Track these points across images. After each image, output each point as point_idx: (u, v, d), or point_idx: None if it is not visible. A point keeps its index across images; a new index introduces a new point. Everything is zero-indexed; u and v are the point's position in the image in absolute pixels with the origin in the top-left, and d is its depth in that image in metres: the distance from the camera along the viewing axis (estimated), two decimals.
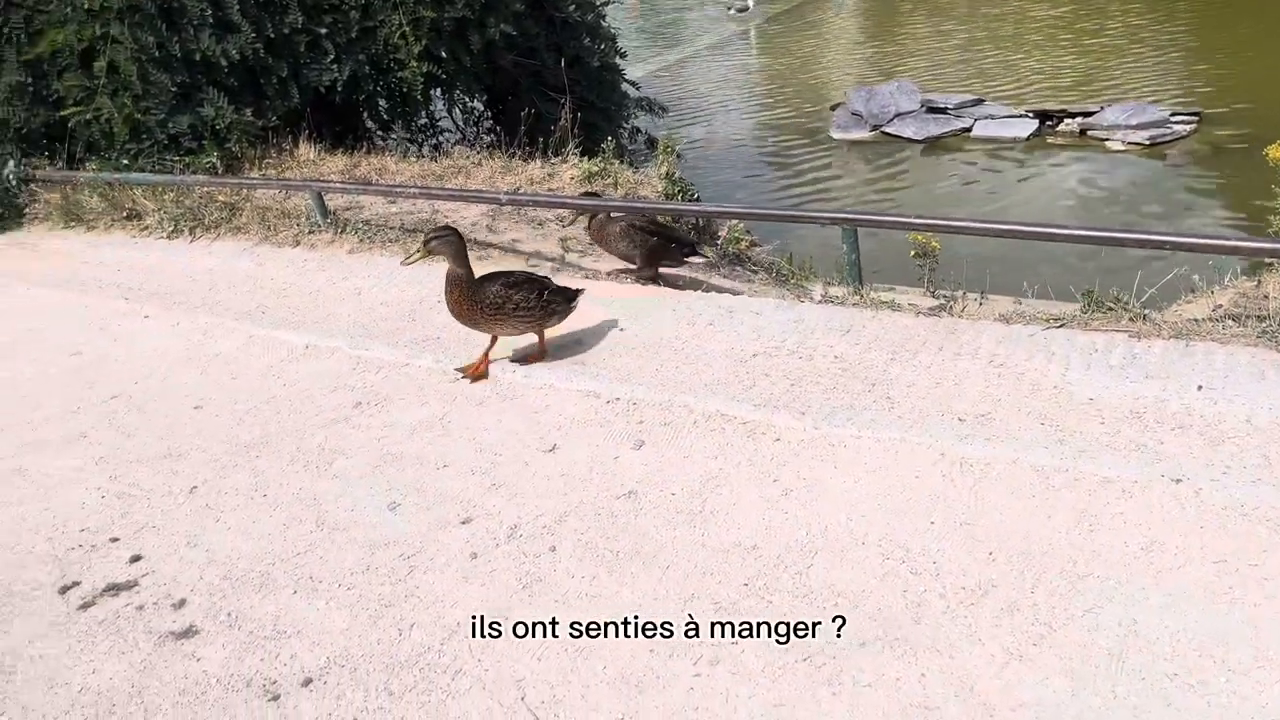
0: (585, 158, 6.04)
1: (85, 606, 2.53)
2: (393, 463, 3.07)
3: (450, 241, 3.39)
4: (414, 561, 2.57)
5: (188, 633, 2.39)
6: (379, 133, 7.74)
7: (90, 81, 6.04)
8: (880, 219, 3.88)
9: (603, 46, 8.32)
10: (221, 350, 4.06)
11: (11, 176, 6.08)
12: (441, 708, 2.08)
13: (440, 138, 8.13)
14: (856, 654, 2.09)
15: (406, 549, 2.63)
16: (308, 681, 2.19)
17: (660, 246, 4.32)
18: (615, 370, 3.48)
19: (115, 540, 2.81)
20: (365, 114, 7.50)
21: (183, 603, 2.50)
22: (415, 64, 6.62)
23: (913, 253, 4.04)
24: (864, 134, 11.37)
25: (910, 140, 11.00)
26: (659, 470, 2.85)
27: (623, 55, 8.77)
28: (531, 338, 3.61)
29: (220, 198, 5.67)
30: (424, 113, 7.72)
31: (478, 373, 3.56)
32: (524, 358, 3.61)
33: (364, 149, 6.88)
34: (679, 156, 7.14)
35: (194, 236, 5.50)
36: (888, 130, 11.30)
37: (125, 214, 5.80)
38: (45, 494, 3.10)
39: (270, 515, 2.85)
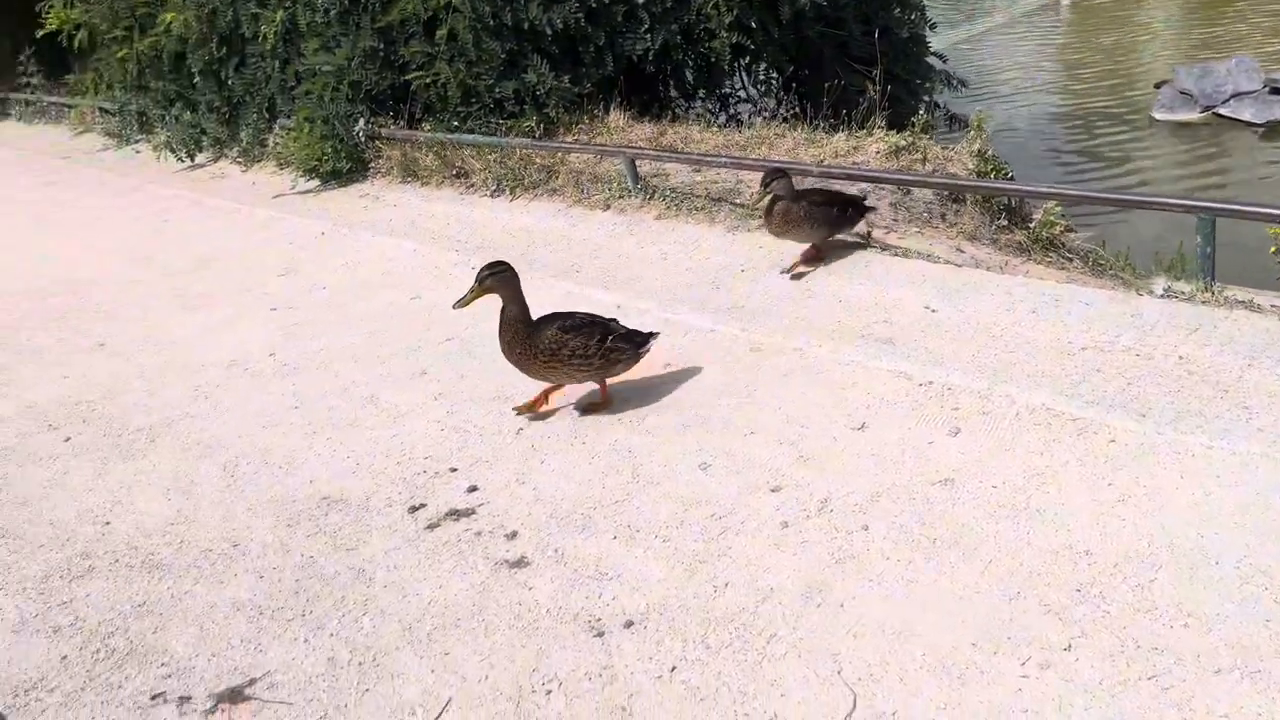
0: (891, 131, 5.88)
1: (431, 527, 2.79)
2: (701, 424, 3.16)
3: (505, 278, 3.14)
4: (725, 523, 2.64)
5: (520, 563, 2.58)
6: (682, 101, 7.90)
7: (431, 48, 6.57)
8: (1244, 209, 3.49)
9: (912, 17, 8.04)
10: (541, 305, 4.32)
11: (361, 134, 6.75)
12: (757, 668, 2.13)
13: (738, 108, 8.19)
14: (1211, 681, 1.93)
15: (718, 509, 2.70)
16: (629, 624, 2.31)
17: (842, 215, 4.21)
18: (927, 352, 3.38)
19: (454, 470, 3.08)
20: (671, 83, 7.68)
21: (514, 534, 2.71)
22: (725, 34, 6.68)
23: (1274, 249, 3.62)
24: (1192, 115, 10.33)
25: (1248, 124, 9.87)
26: (977, 460, 2.75)
27: (932, 27, 8.43)
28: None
29: (538, 160, 6.02)
30: (727, 83, 7.79)
31: (534, 408, 3.32)
32: (586, 406, 3.34)
33: (668, 117, 7.05)
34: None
35: (513, 196, 5.88)
36: (1221, 112, 10.20)
37: (455, 172, 6.29)
38: (394, 422, 3.44)
39: (589, 463, 3.02)
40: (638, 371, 3.54)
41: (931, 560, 2.38)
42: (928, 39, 8.42)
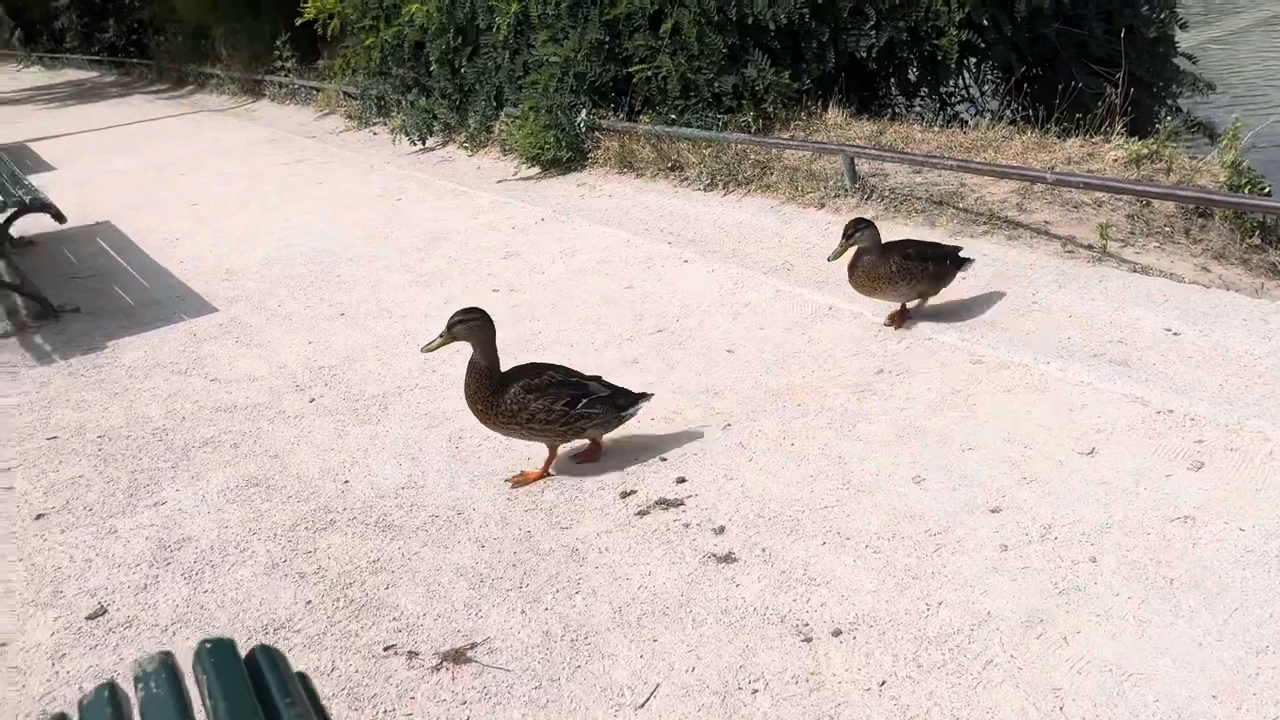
0: (1132, 138, 5.52)
1: (641, 514, 2.87)
2: (915, 436, 3.09)
3: (476, 327, 2.94)
4: (940, 540, 2.57)
5: (727, 558, 2.61)
6: (901, 100, 7.71)
7: (655, 41, 6.69)
8: None
9: (1161, 15, 7.50)
10: (750, 300, 4.35)
11: (582, 124, 6.96)
12: (971, 694, 2.07)
13: (957, 108, 7.90)
14: None
15: (932, 525, 2.63)
16: (837, 632, 2.30)
17: (938, 271, 3.73)
18: (1167, 378, 3.17)
19: (664, 460, 3.15)
20: (892, 81, 7.50)
21: (722, 529, 2.74)
22: (955, 31, 6.46)
23: None
24: None
25: None
26: (1222, 499, 2.56)
27: (1183, 26, 7.85)
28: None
29: (753, 156, 6.03)
30: (951, 82, 7.53)
31: (526, 480, 3.06)
32: (578, 454, 3.16)
33: (887, 115, 6.89)
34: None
35: (726, 191, 5.91)
36: None
37: (669, 165, 6.39)
38: None
39: (798, 465, 3.01)
40: (850, 375, 3.50)
41: (1167, 601, 2.24)
42: (1176, 39, 7.84)
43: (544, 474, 3.09)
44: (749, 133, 6.26)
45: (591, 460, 3.14)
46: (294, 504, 3.13)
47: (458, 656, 2.36)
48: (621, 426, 3.15)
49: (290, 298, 5.11)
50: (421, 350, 3.05)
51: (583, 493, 3.01)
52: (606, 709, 2.16)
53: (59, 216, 4.75)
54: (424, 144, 8.50)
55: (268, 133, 10.44)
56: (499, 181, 7.14)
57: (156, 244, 6.37)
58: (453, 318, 2.96)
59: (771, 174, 5.81)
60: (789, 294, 4.34)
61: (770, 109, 6.53)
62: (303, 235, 6.26)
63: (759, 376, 3.63)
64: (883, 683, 2.13)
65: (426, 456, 3.34)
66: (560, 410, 2.94)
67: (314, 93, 11.53)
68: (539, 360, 3.42)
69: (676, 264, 4.94)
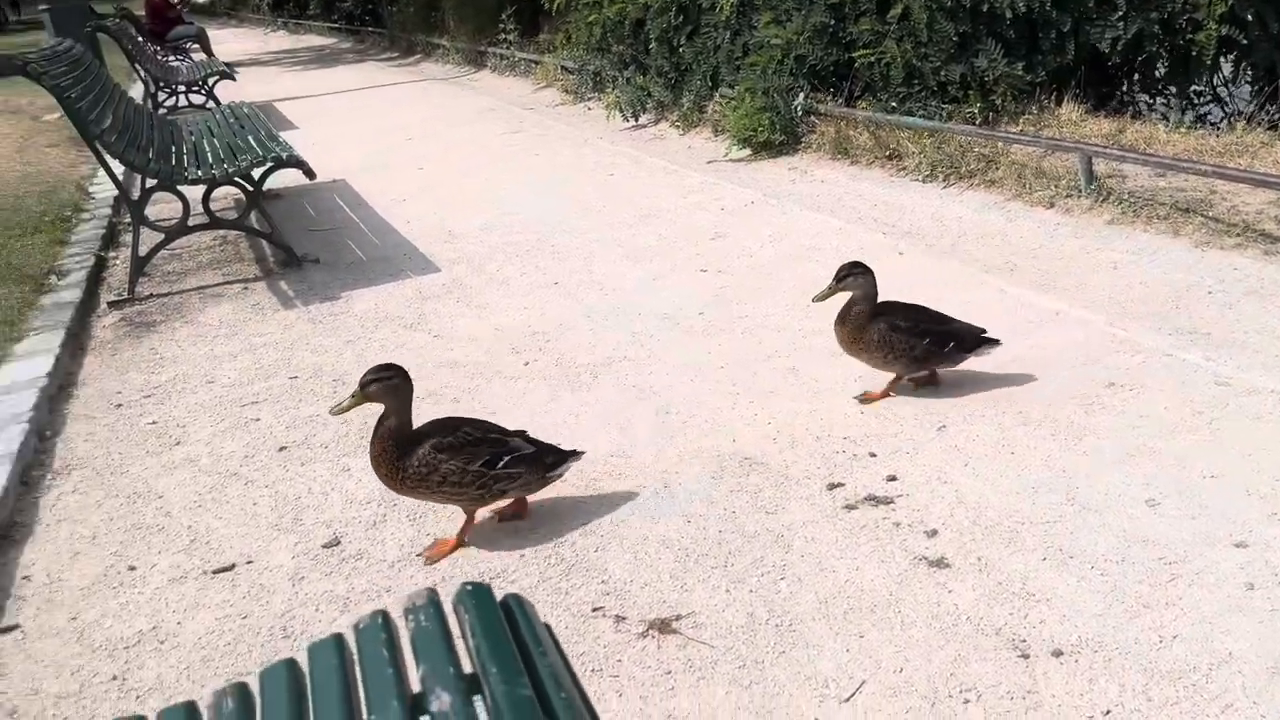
0: None
1: (849, 508, 2.83)
2: (1149, 456, 2.90)
3: (392, 387, 2.62)
4: (1176, 570, 2.41)
5: (939, 563, 2.54)
6: (1144, 98, 7.20)
7: (881, 26, 6.52)
8: None
9: None
10: (970, 299, 4.18)
11: (799, 108, 6.89)
12: None
13: (1204, 109, 7.31)
14: None
15: (1167, 554, 2.47)
16: (1058, 653, 2.20)
17: (934, 350, 3.26)
18: None
19: (873, 455, 3.09)
20: (1137, 76, 7.02)
21: (934, 533, 2.67)
22: (1214, 25, 5.97)
23: None
24: None
25: None
26: None
27: None
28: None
29: (976, 149, 5.79)
30: (1202, 81, 6.98)
31: (439, 554, 2.75)
32: (503, 513, 2.88)
33: (1128, 114, 6.46)
34: None
35: (946, 183, 5.71)
36: None
37: (887, 153, 6.23)
38: (814, 397, 3.52)
39: (1018, 475, 2.89)
40: (1077, 386, 3.33)
41: None
42: None
43: (459, 543, 2.76)
44: (974, 124, 6.01)
45: (517, 517, 2.87)
46: None
47: (663, 626, 2.40)
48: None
49: (508, 263, 5.32)
50: (331, 412, 2.70)
51: (788, 480, 3.00)
52: (810, 698, 2.15)
53: (310, 173, 5.11)
54: (636, 121, 8.63)
55: (488, 102, 10.87)
56: (709, 162, 7.16)
57: (385, 204, 6.76)
58: (366, 375, 2.63)
59: (997, 169, 5.57)
60: (1012, 295, 4.15)
61: (999, 101, 6.24)
62: (519, 204, 6.49)
63: (976, 379, 3.50)
64: (1107, 712, 2.03)
65: (634, 427, 3.42)
66: (476, 471, 2.64)
67: (533, 66, 11.90)
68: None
69: (890, 255, 4.82)
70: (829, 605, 2.43)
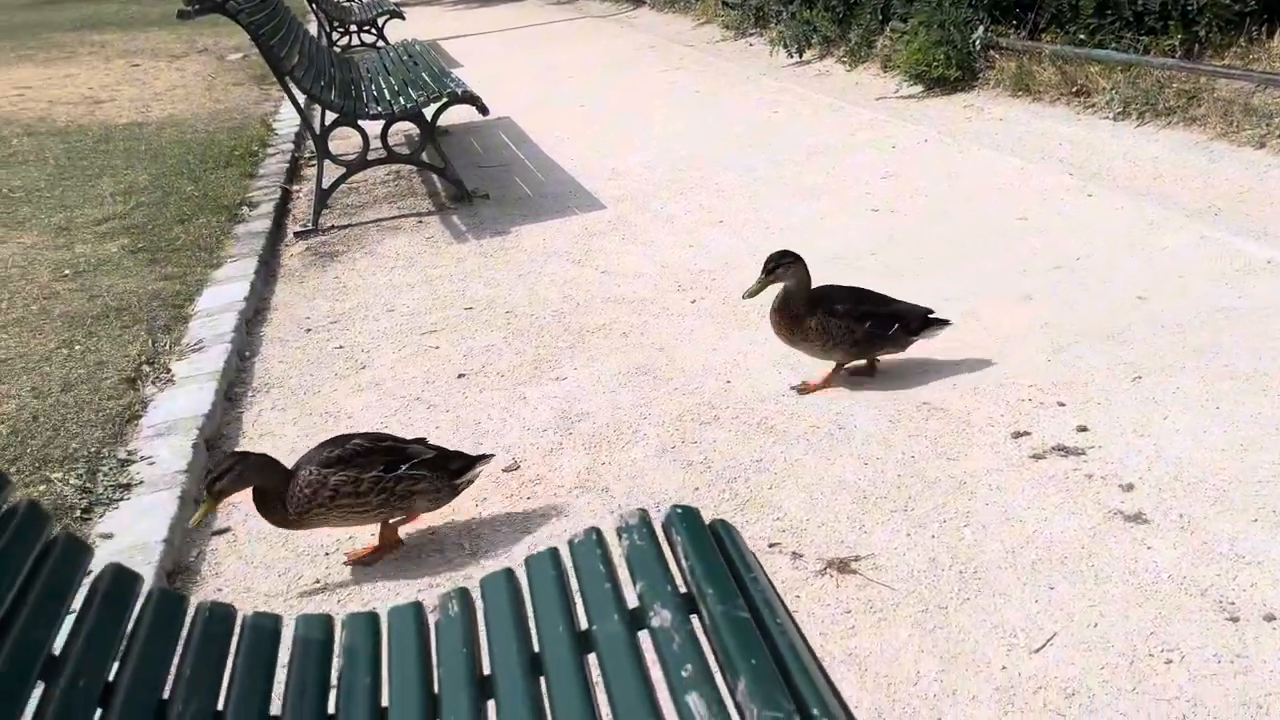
0: None
1: (1036, 457, 2.72)
2: None
3: (238, 477, 2.36)
4: None
5: (1137, 518, 2.42)
6: None
7: None
8: None
9: None
10: (1168, 245, 3.93)
11: (977, 42, 6.56)
12: None
13: None
14: None
15: None
16: (1270, 618, 2.07)
17: (877, 335, 3.07)
18: None
19: (1061, 405, 2.96)
20: None
21: (1130, 487, 2.54)
22: None
23: None
24: None
25: None
26: None
27: None
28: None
29: (1177, 84, 5.38)
30: None
31: (360, 558, 2.58)
32: (356, 559, 2.58)
33: None
34: None
35: (1141, 121, 5.35)
36: None
37: (1073, 89, 5.88)
38: (997, 343, 3.38)
39: (1224, 431, 2.72)
40: None
41: None
42: None
43: (382, 555, 2.59)
44: (1173, 57, 5.58)
45: (379, 556, 2.59)
46: (680, 396, 3.29)
47: (842, 566, 2.39)
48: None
49: (671, 201, 5.30)
50: (189, 524, 2.60)
51: (970, 427, 2.91)
52: (997, 646, 2.10)
53: (483, 109, 5.20)
54: (800, 57, 8.41)
55: (647, 39, 10.79)
56: (878, 99, 6.92)
57: (549, 141, 6.84)
58: (210, 473, 2.39)
59: (1199, 105, 5.17)
60: (1216, 241, 3.87)
61: (1202, 32, 5.77)
62: (681, 141, 6.44)
63: (1175, 329, 3.29)
64: None
65: (805, 369, 3.37)
66: (373, 478, 2.44)
67: (693, 2, 11.73)
68: None
69: (1078, 197, 4.56)
70: (1016, 555, 2.35)
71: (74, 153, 6.99)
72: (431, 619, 1.37)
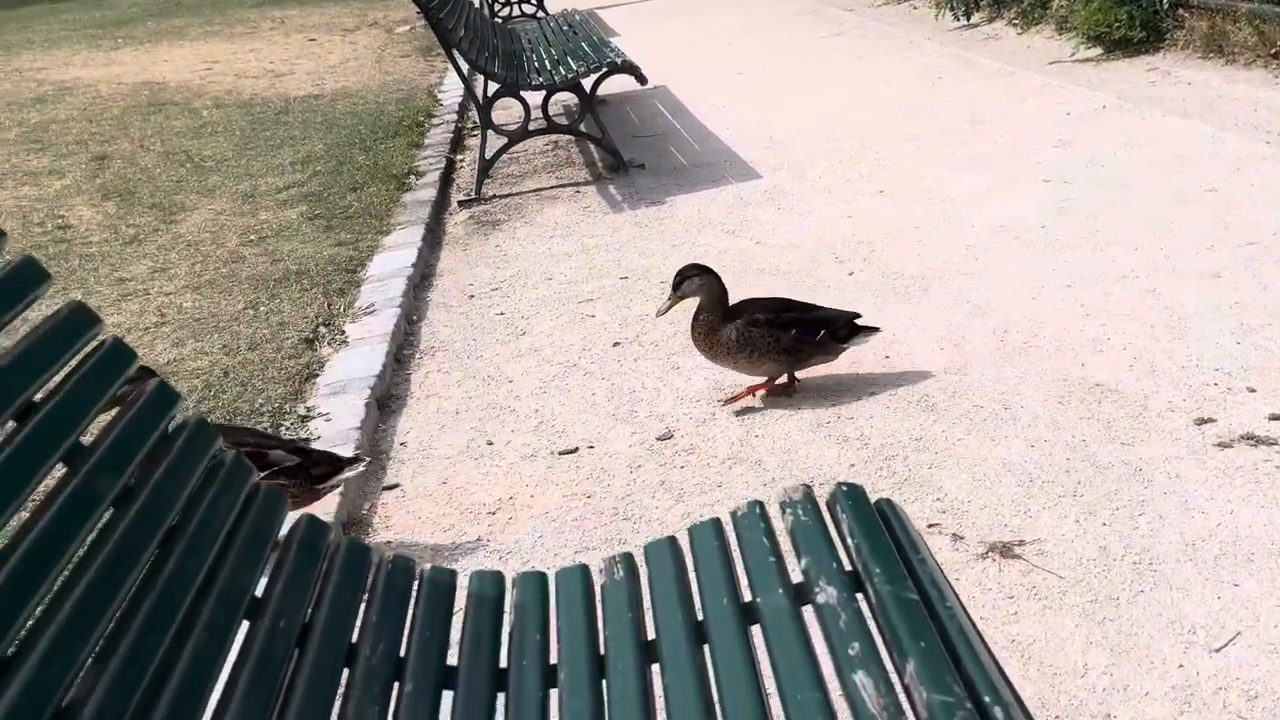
0: None
1: (1221, 446, 2.56)
2: None
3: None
4: None
5: None
6: None
7: None
8: None
9: None
10: None
11: (1165, 0, 6.13)
12: None
13: None
14: None
15: None
16: None
17: (803, 340, 2.94)
18: None
19: (1252, 391, 2.77)
20: None
21: None
22: None
23: None
24: None
25: None
26: None
27: None
28: None
29: None
30: None
31: None
32: None
33: None
34: None
35: None
36: None
37: (1272, 51, 5.42)
38: (1179, 323, 3.19)
39: None
40: None
41: None
42: None
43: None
44: None
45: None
46: (835, 369, 3.24)
47: (1005, 550, 2.31)
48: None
49: (829, 171, 5.20)
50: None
51: (1147, 411, 2.76)
52: (1174, 642, 1.99)
53: (642, 79, 5.23)
54: (968, 20, 8.07)
55: (806, 4, 10.57)
56: (1051, 63, 6.58)
57: (705, 109, 6.81)
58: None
59: None
60: None
61: None
62: (840, 109, 6.30)
63: None
64: None
65: (969, 345, 3.27)
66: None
67: None
68: None
69: (1275, 167, 4.22)
70: (1196, 548, 2.23)
71: (257, 124, 7.42)
72: (597, 581, 1.41)
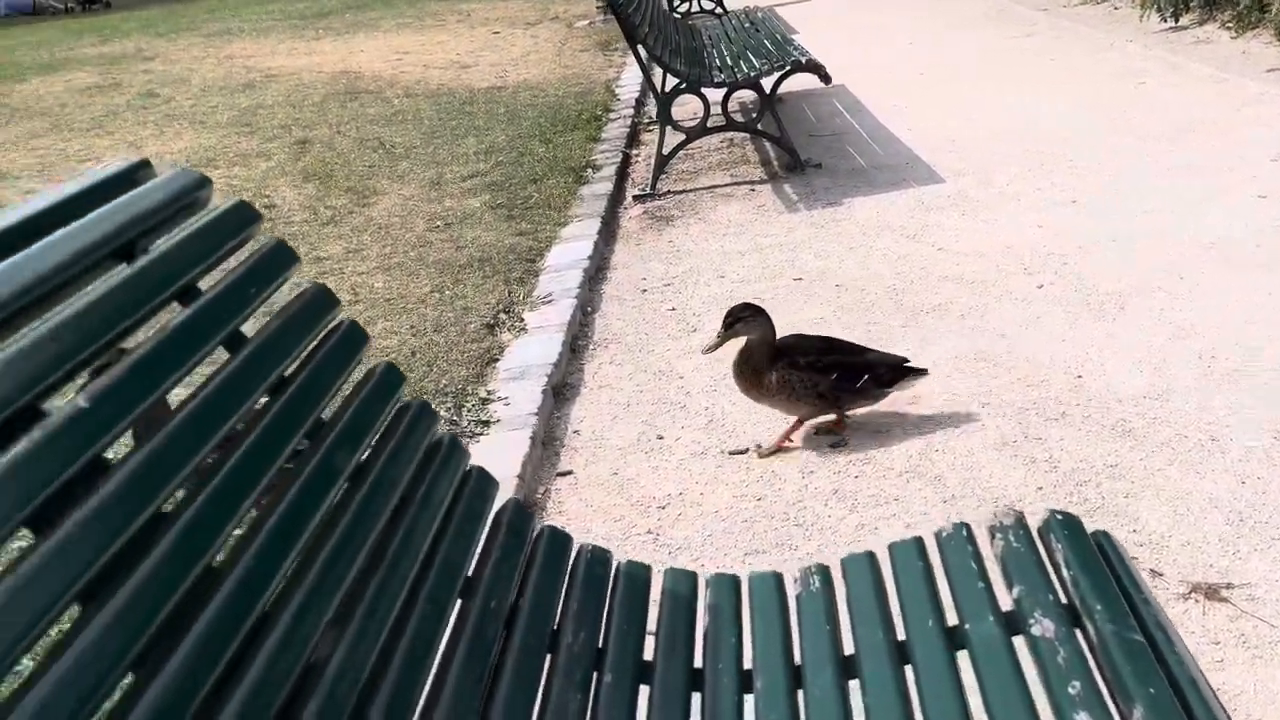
0: None
1: None
2: None
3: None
4: None
5: None
6: None
7: None
8: None
9: None
10: None
11: None
12: None
13: None
14: None
15: None
16: None
17: (842, 386, 2.88)
18: None
19: None
20: None
21: None
22: None
23: None
24: None
25: None
26: None
27: None
28: None
29: None
30: None
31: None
32: None
33: None
34: None
35: None
36: None
37: None
38: None
39: None
40: None
41: None
42: None
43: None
44: None
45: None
46: (1023, 388, 3.11)
47: (1210, 592, 2.17)
48: None
49: (1019, 177, 4.99)
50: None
51: None
52: None
53: (826, 78, 5.15)
54: (1176, 21, 7.57)
55: (994, 3, 10.17)
56: (1270, 70, 6.11)
57: (885, 110, 6.65)
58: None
59: None
60: None
61: None
62: (1031, 113, 6.04)
63: None
64: None
65: (1171, 369, 3.07)
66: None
67: None
68: None
69: None
70: None
71: (443, 113, 7.72)
72: (791, 589, 1.39)
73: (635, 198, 5.55)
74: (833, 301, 3.93)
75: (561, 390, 3.54)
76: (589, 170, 5.94)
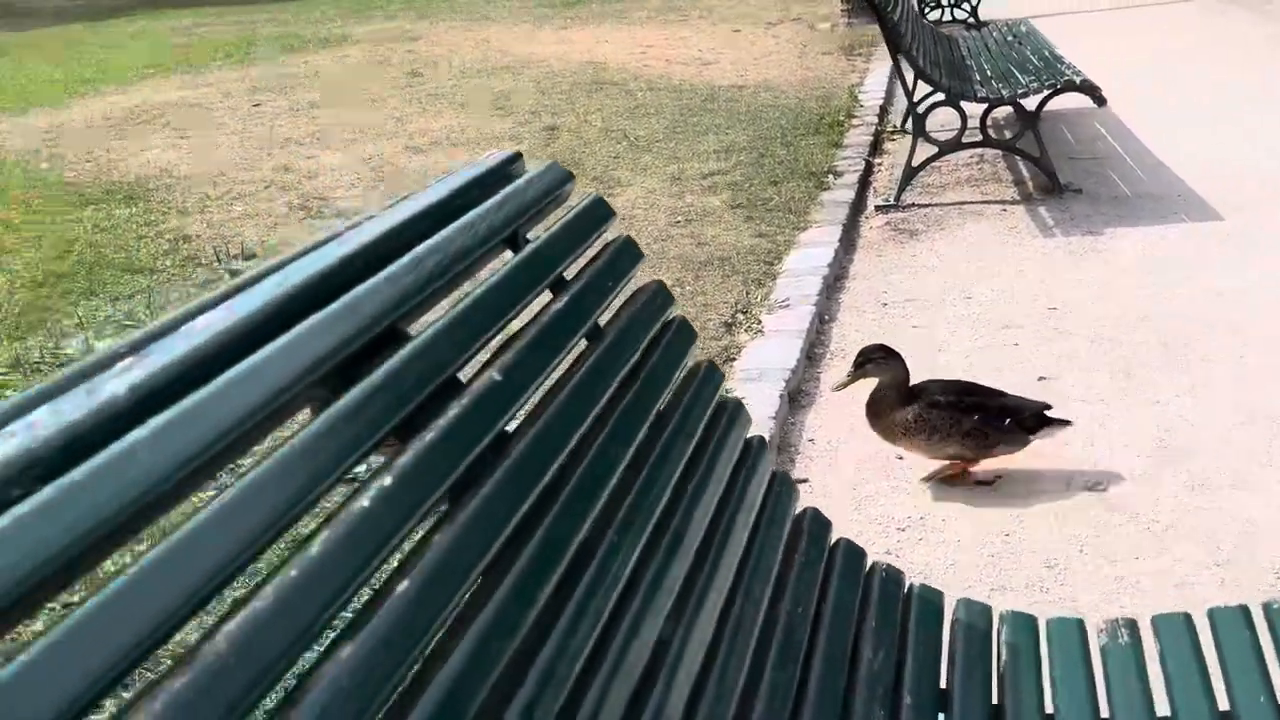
0: None
1: None
2: None
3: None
4: None
5: None
6: None
7: None
8: None
9: None
10: None
11: None
12: None
13: None
14: None
15: None
16: None
17: (988, 425, 2.73)
18: None
19: None
20: None
21: None
22: None
23: None
24: None
25: None
26: None
27: None
28: None
29: None
30: None
31: None
32: None
33: None
34: None
35: None
36: None
37: None
38: None
39: None
40: None
41: None
42: None
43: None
44: None
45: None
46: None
47: None
48: None
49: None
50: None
51: None
52: None
53: (1100, 99, 4.90)
54: None
55: (1277, 28, 9.34)
56: None
57: (1153, 135, 6.24)
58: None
59: None
60: None
61: None
62: None
63: None
64: None
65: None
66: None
67: None
68: None
69: None
70: None
71: (684, 109, 7.85)
72: (1094, 639, 1.35)
73: (878, 208, 5.46)
74: (1090, 335, 3.75)
75: (796, 397, 3.54)
76: (830, 176, 5.89)
